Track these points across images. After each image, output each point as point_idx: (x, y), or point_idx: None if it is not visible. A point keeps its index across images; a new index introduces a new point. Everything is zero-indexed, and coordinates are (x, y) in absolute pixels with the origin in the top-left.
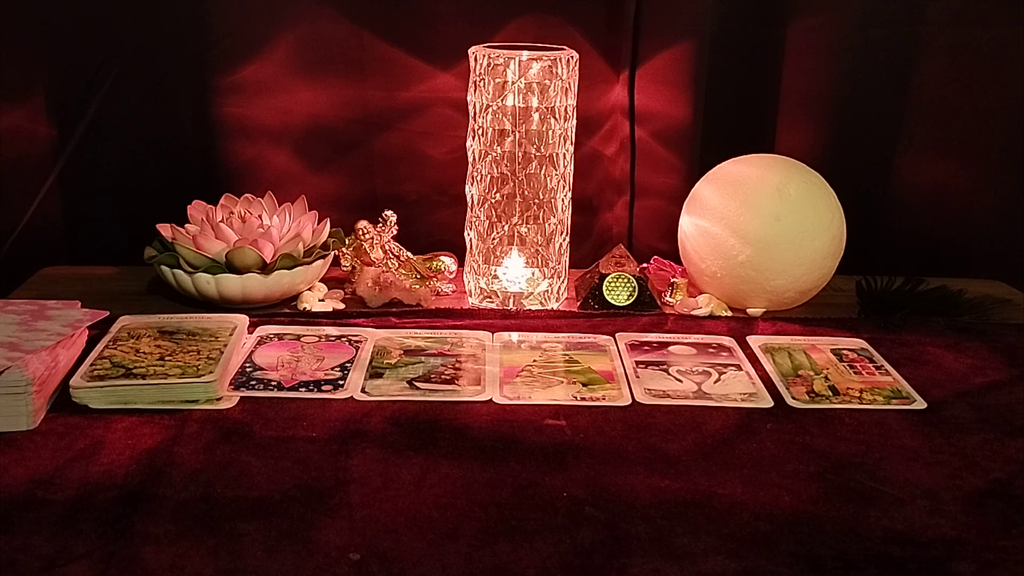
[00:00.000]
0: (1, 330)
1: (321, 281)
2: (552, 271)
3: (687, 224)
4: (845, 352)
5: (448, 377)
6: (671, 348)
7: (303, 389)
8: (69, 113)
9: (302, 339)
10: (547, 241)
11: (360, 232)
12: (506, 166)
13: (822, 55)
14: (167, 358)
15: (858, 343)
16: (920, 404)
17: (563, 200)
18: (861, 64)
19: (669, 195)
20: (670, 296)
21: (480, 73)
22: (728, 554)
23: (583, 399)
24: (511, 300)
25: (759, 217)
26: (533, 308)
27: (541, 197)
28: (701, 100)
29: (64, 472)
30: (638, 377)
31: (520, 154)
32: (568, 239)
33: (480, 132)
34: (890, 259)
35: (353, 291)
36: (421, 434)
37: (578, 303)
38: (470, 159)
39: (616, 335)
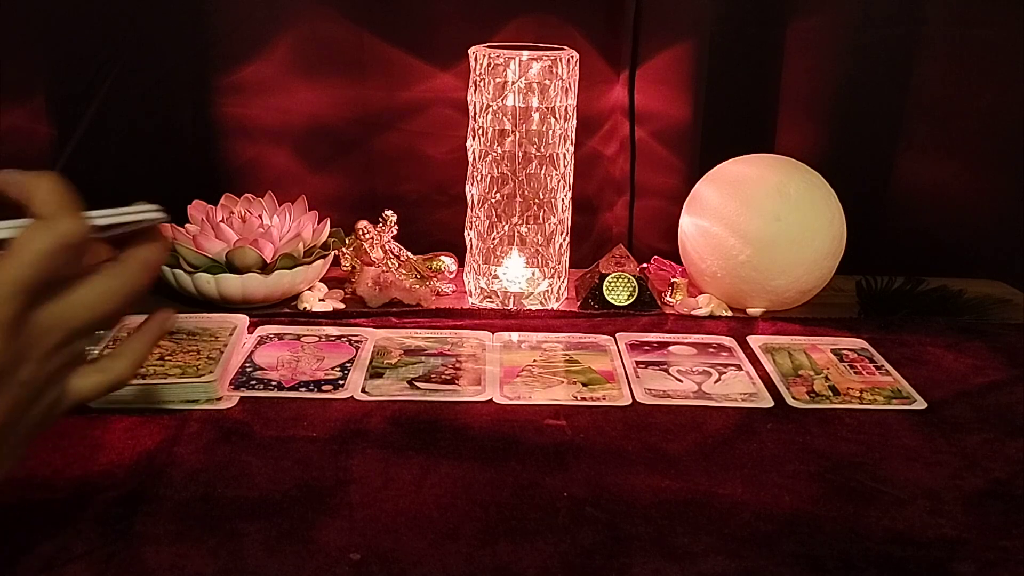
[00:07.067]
0: None
1: (321, 281)
2: (552, 271)
3: (687, 224)
4: (845, 352)
5: (448, 377)
6: (671, 348)
7: (303, 389)
8: (69, 113)
9: (302, 339)
10: (547, 241)
11: (360, 232)
12: (506, 166)
13: (822, 55)
14: (167, 358)
15: (858, 343)
16: (920, 404)
17: (563, 200)
18: (861, 64)
19: (669, 195)
20: (670, 296)
21: (480, 73)
22: (728, 554)
23: (583, 399)
24: (511, 300)
25: (759, 217)
26: (533, 308)
27: (541, 197)
28: (701, 100)
29: (64, 472)
30: (638, 377)
31: (520, 154)
32: (568, 239)
33: (480, 132)
34: (890, 259)
35: (353, 291)
36: (421, 434)
37: (578, 303)
38: (470, 159)
39: (616, 335)
